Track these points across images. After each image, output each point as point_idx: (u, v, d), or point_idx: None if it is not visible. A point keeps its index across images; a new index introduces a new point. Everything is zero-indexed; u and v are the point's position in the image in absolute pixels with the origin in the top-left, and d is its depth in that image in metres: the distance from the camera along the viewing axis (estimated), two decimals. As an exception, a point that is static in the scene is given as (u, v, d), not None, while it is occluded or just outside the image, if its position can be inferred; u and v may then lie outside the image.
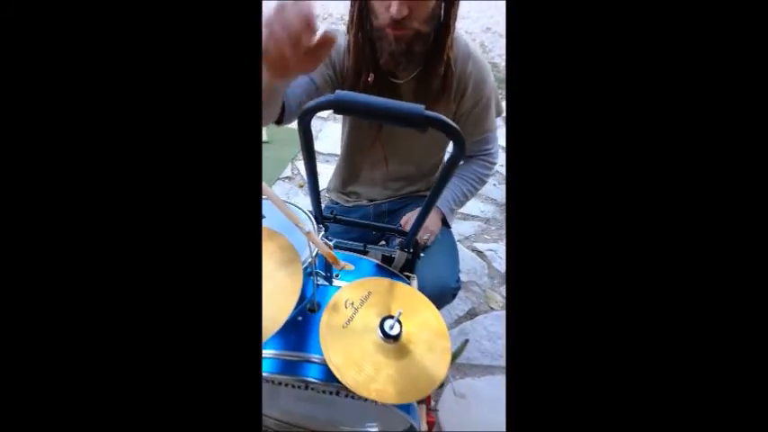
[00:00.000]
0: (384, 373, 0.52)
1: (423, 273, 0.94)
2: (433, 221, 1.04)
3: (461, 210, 1.71)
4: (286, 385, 0.67)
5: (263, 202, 0.75)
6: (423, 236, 1.01)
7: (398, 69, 0.84)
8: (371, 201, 1.17)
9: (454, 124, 0.42)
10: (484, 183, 1.11)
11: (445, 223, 1.09)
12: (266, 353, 0.62)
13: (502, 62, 2.68)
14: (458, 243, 1.57)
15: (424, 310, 0.61)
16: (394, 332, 0.55)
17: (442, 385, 0.66)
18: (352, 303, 0.59)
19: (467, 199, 1.10)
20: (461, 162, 1.12)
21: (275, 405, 0.87)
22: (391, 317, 0.56)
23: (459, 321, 1.35)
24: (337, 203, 1.22)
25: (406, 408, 0.67)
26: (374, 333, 0.56)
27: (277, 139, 1.95)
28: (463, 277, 1.47)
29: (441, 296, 1.01)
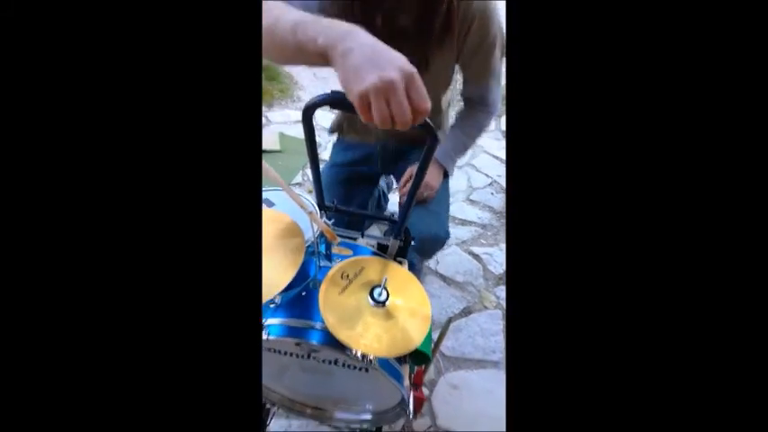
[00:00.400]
0: (372, 331, 0.62)
1: (416, 222, 1.01)
2: (433, 177, 1.07)
3: (460, 215, 1.81)
4: (291, 355, 0.76)
5: (276, 192, 0.85)
6: (423, 192, 1.06)
7: (402, 11, 0.83)
8: (377, 139, 1.15)
9: (429, 121, 0.52)
10: (483, 130, 1.10)
11: (446, 175, 1.11)
12: (275, 320, 0.72)
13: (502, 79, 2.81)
14: (456, 246, 1.66)
15: (410, 284, 0.71)
16: (381, 298, 0.64)
17: (428, 359, 0.74)
18: (348, 275, 0.68)
19: (466, 149, 1.11)
20: (462, 109, 1.11)
21: (281, 382, 0.95)
22: (380, 286, 0.66)
23: (454, 318, 1.43)
24: (342, 140, 1.23)
25: (396, 375, 0.76)
26: (365, 299, 0.65)
27: (289, 149, 2.08)
28: (459, 278, 1.55)
29: (432, 244, 1.07)
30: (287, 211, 0.74)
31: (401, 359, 0.79)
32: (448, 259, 1.62)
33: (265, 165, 0.60)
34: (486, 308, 1.47)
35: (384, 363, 0.73)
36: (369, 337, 0.61)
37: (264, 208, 0.74)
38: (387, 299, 0.65)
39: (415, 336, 0.63)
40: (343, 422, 1.00)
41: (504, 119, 2.46)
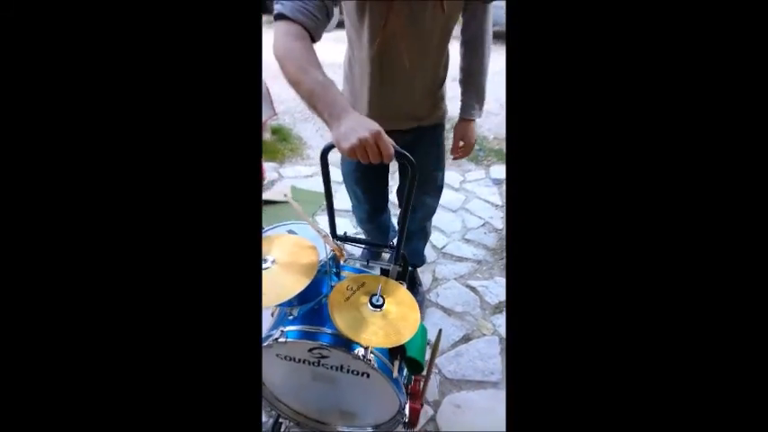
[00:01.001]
0: (370, 329, 0.78)
1: (428, 192, 1.22)
2: (470, 135, 1.27)
3: (457, 253, 1.97)
4: (304, 362, 0.91)
5: (298, 225, 1.04)
6: (464, 153, 1.30)
7: None
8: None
9: (407, 153, 0.72)
10: (489, 63, 1.20)
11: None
12: (292, 327, 0.88)
13: (490, 135, 3.09)
14: (454, 280, 1.81)
15: (403, 295, 0.87)
16: (378, 303, 0.81)
17: (421, 367, 0.89)
18: (352, 288, 0.85)
19: (484, 90, 1.22)
20: (468, 42, 1.17)
21: (293, 396, 1.08)
22: (377, 294, 0.82)
23: (455, 345, 1.55)
24: None
25: (393, 379, 0.89)
26: (365, 305, 0.82)
27: (300, 200, 2.31)
28: (458, 308, 1.69)
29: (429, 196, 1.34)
30: (308, 237, 0.92)
31: (399, 366, 0.93)
32: (447, 292, 1.76)
33: (293, 202, 0.79)
34: (483, 335, 1.59)
35: (383, 366, 0.88)
36: (368, 332, 0.77)
37: (289, 235, 0.92)
38: (383, 304, 0.82)
39: (405, 332, 0.79)
40: (348, 436, 1.11)
41: (492, 169, 2.70)
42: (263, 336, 0.92)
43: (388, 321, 0.80)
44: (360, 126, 0.67)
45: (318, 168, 2.95)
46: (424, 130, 1.24)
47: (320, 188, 2.44)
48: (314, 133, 3.10)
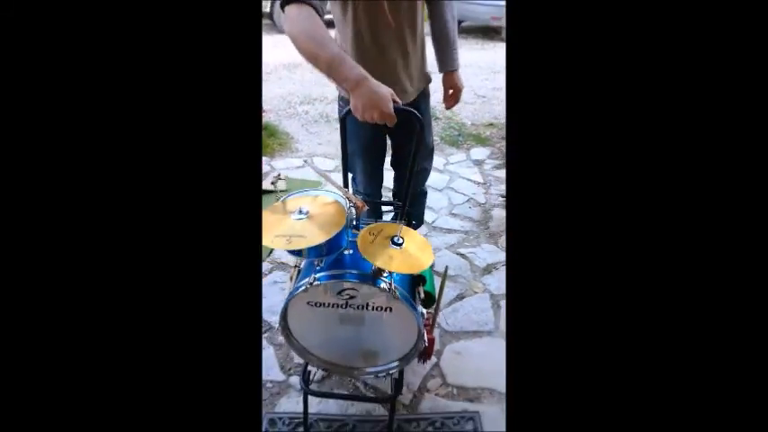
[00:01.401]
0: (396, 260, 0.94)
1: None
2: (457, 82, 1.41)
3: (447, 225, 2.16)
4: (333, 306, 1.06)
5: (314, 191, 1.18)
6: (454, 100, 1.44)
7: None
8: None
9: (414, 111, 0.89)
10: (455, 16, 1.37)
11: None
12: (321, 273, 1.02)
13: (468, 122, 3.30)
14: (445, 249, 1.99)
15: (416, 236, 1.03)
16: (399, 242, 0.97)
17: (433, 299, 1.05)
18: (373, 233, 1.01)
19: (456, 40, 1.38)
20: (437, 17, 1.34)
21: (321, 346, 1.21)
22: (397, 235, 0.98)
23: (451, 303, 1.73)
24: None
25: (413, 306, 1.05)
26: (388, 244, 0.97)
27: (295, 188, 2.43)
28: (451, 272, 1.87)
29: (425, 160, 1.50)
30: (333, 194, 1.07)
31: (416, 297, 1.08)
32: (441, 260, 1.94)
33: (319, 168, 0.94)
34: (475, 293, 1.78)
35: (405, 297, 1.03)
36: (395, 263, 0.93)
37: (317, 194, 1.07)
38: (403, 242, 0.98)
39: (424, 262, 0.95)
40: (372, 375, 1.25)
41: (472, 151, 2.91)
42: (295, 287, 1.06)
43: (408, 255, 0.96)
44: (374, 106, 0.86)
45: (308, 159, 3.07)
46: (413, 101, 1.40)
47: (310, 178, 2.60)
48: (299, 128, 3.24)
